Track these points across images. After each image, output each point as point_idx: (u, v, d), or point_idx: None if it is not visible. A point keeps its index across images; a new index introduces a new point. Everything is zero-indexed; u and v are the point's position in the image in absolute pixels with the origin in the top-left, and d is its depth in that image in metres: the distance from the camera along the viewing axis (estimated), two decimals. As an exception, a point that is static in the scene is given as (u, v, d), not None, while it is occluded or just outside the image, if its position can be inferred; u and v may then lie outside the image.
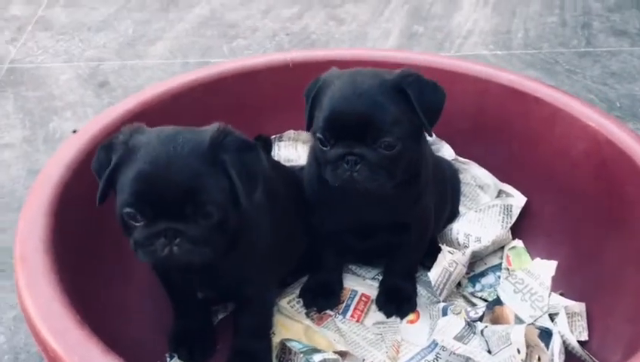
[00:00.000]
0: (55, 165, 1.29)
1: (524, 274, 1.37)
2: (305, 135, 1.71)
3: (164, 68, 2.45)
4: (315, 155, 1.32)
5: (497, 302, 1.35)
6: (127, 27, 2.73)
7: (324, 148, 1.22)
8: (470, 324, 1.29)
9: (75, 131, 1.96)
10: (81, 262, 1.23)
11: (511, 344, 1.17)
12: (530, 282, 1.34)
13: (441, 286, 1.40)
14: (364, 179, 1.20)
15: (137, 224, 1.04)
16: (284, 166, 1.52)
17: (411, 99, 1.19)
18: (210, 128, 1.09)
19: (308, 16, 2.85)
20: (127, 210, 1.03)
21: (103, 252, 1.32)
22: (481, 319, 1.34)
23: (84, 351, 0.95)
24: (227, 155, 1.05)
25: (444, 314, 1.37)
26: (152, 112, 1.51)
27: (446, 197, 1.52)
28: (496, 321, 1.32)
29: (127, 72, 2.42)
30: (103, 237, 1.27)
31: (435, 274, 1.40)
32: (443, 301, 1.42)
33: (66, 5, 2.88)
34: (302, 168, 1.64)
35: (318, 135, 1.23)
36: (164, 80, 2.32)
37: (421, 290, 1.48)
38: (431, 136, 1.28)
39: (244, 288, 1.25)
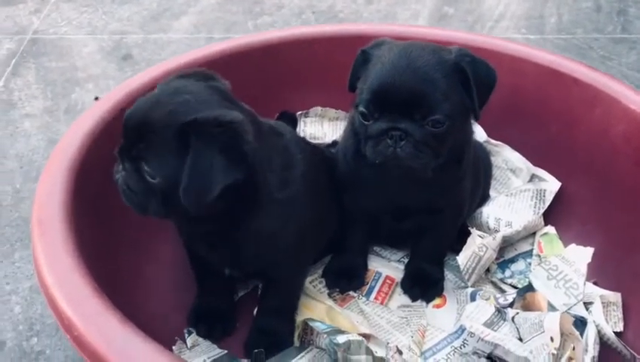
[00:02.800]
0: (75, 132, 1.25)
1: (558, 260, 1.31)
2: (332, 112, 1.67)
3: (189, 42, 2.41)
4: (353, 130, 1.26)
5: (529, 288, 1.29)
6: (152, 1, 2.68)
7: (367, 123, 1.17)
8: (500, 311, 1.24)
9: (97, 98, 1.93)
10: (101, 233, 1.19)
11: (544, 332, 1.12)
12: (565, 268, 1.29)
13: (470, 271, 1.35)
14: (408, 157, 1.15)
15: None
16: (312, 144, 1.47)
17: (468, 78, 1.15)
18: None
19: (336, -6, 2.78)
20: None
21: (124, 223, 1.27)
22: (511, 306, 1.29)
23: (101, 320, 0.91)
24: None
25: (473, 299, 1.32)
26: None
27: (479, 181, 1.46)
28: (527, 308, 1.26)
29: (151, 46, 2.38)
30: (125, 208, 1.23)
31: (464, 258, 1.35)
32: (471, 286, 1.36)
33: (91, -23, 2.84)
34: (329, 146, 1.60)
35: (361, 108, 1.17)
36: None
37: (448, 274, 1.42)
38: (477, 119, 1.22)
39: (275, 268, 1.20)
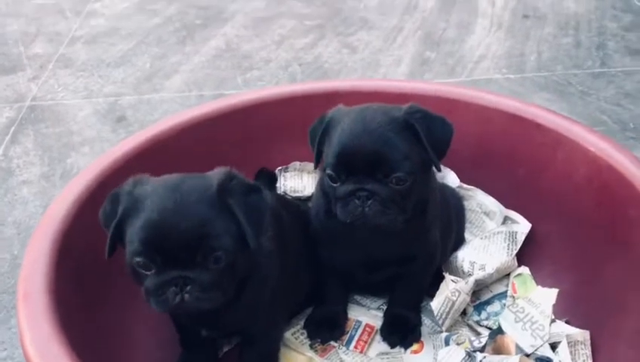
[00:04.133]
0: (60, 204, 1.32)
1: (525, 302, 1.36)
2: (310, 166, 1.73)
3: (180, 101, 2.50)
4: (322, 190, 1.33)
5: (499, 331, 1.34)
6: (145, 62, 2.80)
7: (335, 185, 1.24)
8: (471, 355, 1.29)
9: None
10: (85, 301, 1.26)
11: (507, 375, 1.16)
12: (531, 311, 1.33)
13: (443, 316, 1.40)
14: (376, 215, 1.22)
15: (148, 273, 1.06)
16: (288, 200, 1.54)
17: (420, 135, 1.21)
18: (216, 173, 1.12)
19: (321, 45, 2.89)
20: (137, 259, 1.05)
21: (107, 290, 1.34)
22: (483, 348, 1.33)
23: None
24: (233, 199, 1.07)
25: (447, 343, 1.36)
26: (158, 148, 1.55)
27: (451, 225, 1.52)
28: (497, 351, 1.31)
29: (144, 107, 2.47)
30: (108, 275, 1.30)
31: (437, 303, 1.40)
32: (446, 330, 1.41)
33: (87, 42, 2.96)
34: (307, 199, 1.67)
35: (328, 171, 1.25)
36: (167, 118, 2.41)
37: (425, 320, 1.47)
38: (439, 170, 1.29)
39: (251, 327, 1.26)
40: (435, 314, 1.39)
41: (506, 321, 1.34)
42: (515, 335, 1.31)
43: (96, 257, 1.27)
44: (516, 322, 1.33)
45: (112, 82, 2.66)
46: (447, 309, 1.41)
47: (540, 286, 1.43)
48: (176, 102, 2.50)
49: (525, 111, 1.60)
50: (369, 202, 1.21)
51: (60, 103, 2.51)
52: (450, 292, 1.41)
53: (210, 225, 1.04)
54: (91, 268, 1.28)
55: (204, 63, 2.78)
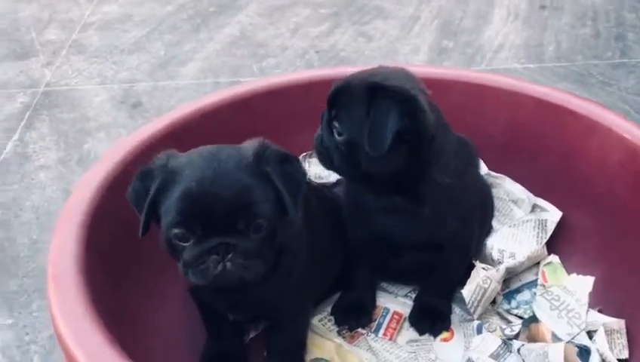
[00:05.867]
0: (87, 184, 1.30)
1: (560, 290, 1.33)
2: (335, 152, 1.71)
3: (196, 88, 2.47)
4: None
5: (533, 319, 1.32)
6: (159, 49, 2.77)
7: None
8: (506, 342, 1.26)
9: None
10: (113, 282, 1.23)
11: (548, 362, 1.14)
12: (567, 298, 1.31)
13: (475, 304, 1.38)
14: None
15: (186, 244, 1.04)
16: (314, 185, 1.51)
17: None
18: (251, 143, 1.10)
19: (337, 33, 2.85)
20: (176, 230, 1.03)
21: (135, 272, 1.32)
22: (517, 337, 1.31)
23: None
24: (270, 167, 1.05)
25: (479, 332, 1.34)
26: (182, 132, 1.52)
27: (487, 216, 1.49)
28: (532, 339, 1.29)
29: (160, 93, 2.45)
30: (136, 256, 1.28)
31: (468, 291, 1.37)
32: (477, 318, 1.39)
33: (100, 29, 2.93)
34: (332, 185, 1.64)
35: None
36: (196, 100, 2.38)
37: (455, 308, 1.45)
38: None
39: (279, 310, 1.24)
40: (467, 301, 1.37)
41: (541, 309, 1.32)
42: (550, 323, 1.29)
43: (124, 236, 1.25)
44: (551, 310, 1.31)
45: (127, 68, 2.63)
46: (479, 297, 1.38)
47: (574, 274, 1.40)
48: (192, 89, 2.48)
49: (557, 97, 1.57)
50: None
51: (74, 89, 2.49)
52: (481, 280, 1.39)
53: (252, 192, 1.03)
54: (119, 248, 1.27)
55: (218, 51, 2.75)
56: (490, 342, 1.27)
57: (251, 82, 1.74)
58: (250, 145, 1.09)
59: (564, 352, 1.15)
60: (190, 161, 1.05)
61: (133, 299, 1.30)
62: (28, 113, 2.33)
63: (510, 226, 1.56)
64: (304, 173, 1.13)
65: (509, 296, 1.47)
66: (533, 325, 1.30)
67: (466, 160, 1.35)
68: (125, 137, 1.46)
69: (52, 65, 2.66)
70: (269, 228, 1.05)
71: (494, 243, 1.52)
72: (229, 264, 1.03)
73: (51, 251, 1.15)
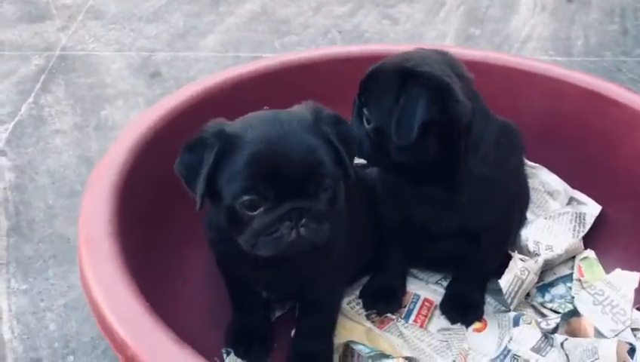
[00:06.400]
0: (120, 148, 1.24)
1: (604, 285, 1.29)
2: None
3: (216, 61, 2.41)
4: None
5: (574, 313, 1.27)
6: (178, 19, 2.69)
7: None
8: (547, 336, 1.22)
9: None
10: (144, 250, 1.18)
11: (598, 359, 1.09)
12: (611, 294, 1.26)
13: (512, 295, 1.33)
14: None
15: (255, 212, 0.98)
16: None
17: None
18: (303, 106, 1.06)
19: (360, 14, 2.79)
20: (245, 197, 0.97)
21: (164, 239, 1.27)
22: (554, 331, 1.26)
23: (154, 339, 0.90)
24: (329, 128, 1.01)
25: (516, 324, 1.29)
26: (212, 101, 1.47)
27: (522, 207, 1.44)
28: (572, 334, 1.24)
29: (179, 64, 2.38)
30: (166, 224, 1.23)
31: (506, 281, 1.33)
32: (513, 310, 1.34)
33: (117, -5, 2.86)
34: (364, 166, 1.58)
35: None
36: (216, 72, 2.31)
37: (488, 298, 1.40)
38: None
39: (314, 289, 1.19)
40: (504, 292, 1.32)
41: (583, 304, 1.28)
42: (593, 318, 1.24)
43: (155, 209, 1.21)
44: (595, 305, 1.26)
45: (145, 37, 2.55)
46: (516, 288, 1.34)
47: (619, 269, 1.35)
48: (212, 61, 2.41)
49: (601, 86, 1.52)
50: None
51: (91, 54, 2.42)
52: (519, 271, 1.34)
53: (319, 152, 0.99)
54: (150, 214, 1.22)
55: (239, 25, 2.68)
56: (530, 334, 1.22)
57: (284, 54, 1.67)
58: (303, 108, 1.05)
59: (617, 349, 1.10)
60: (250, 125, 1.00)
61: (162, 268, 1.25)
62: (43, 76, 2.26)
63: (546, 218, 1.51)
64: (356, 136, 1.11)
65: (542, 289, 1.43)
66: (573, 319, 1.25)
67: (509, 148, 1.29)
68: (161, 100, 1.39)
69: (68, 29, 2.58)
70: (335, 188, 1.01)
71: (529, 234, 1.47)
72: (302, 229, 0.98)
73: (83, 213, 1.10)
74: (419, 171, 1.22)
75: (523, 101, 1.59)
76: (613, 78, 2.39)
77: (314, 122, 1.01)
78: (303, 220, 0.97)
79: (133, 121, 1.32)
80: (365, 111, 1.19)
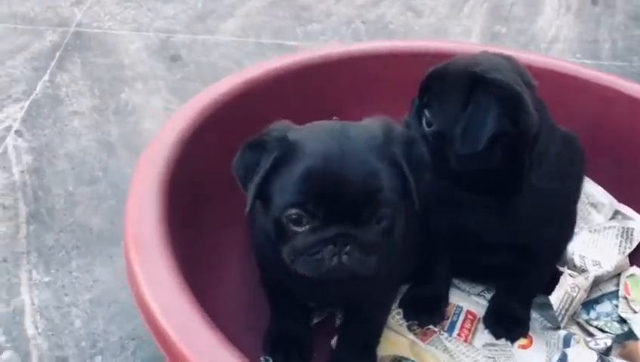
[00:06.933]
0: (162, 142, 1.17)
1: (663, 308, 1.24)
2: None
3: (237, 46, 2.33)
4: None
5: (630, 335, 1.22)
6: (197, 0, 2.60)
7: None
8: (603, 359, 1.17)
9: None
10: (187, 250, 1.11)
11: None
12: (671, 318, 1.22)
13: (562, 312, 1.28)
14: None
15: (300, 229, 0.92)
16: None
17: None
18: (374, 121, 0.98)
19: (383, 5, 2.71)
20: (292, 211, 0.91)
21: (204, 241, 1.21)
22: (607, 352, 1.22)
23: (214, 354, 0.83)
24: (399, 150, 0.93)
25: (567, 343, 1.25)
26: (255, 92, 1.40)
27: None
28: (628, 357, 1.19)
29: (199, 47, 2.30)
30: (214, 220, 1.17)
31: (556, 298, 1.28)
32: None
33: (133, -28, 2.75)
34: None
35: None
36: (238, 58, 2.24)
37: (533, 313, 1.35)
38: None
39: (364, 301, 1.13)
40: (555, 309, 1.27)
41: (640, 326, 1.23)
42: (652, 342, 1.19)
43: (203, 205, 1.14)
44: (653, 329, 1.22)
45: (163, 17, 2.46)
46: (567, 306, 1.29)
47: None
48: (233, 46, 2.33)
49: (651, 95, 1.47)
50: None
51: (107, 33, 2.32)
52: (569, 287, 1.29)
53: (380, 177, 0.91)
54: (196, 210, 1.15)
55: (259, 9, 2.59)
56: (586, 357, 1.17)
57: (328, 47, 1.61)
58: (375, 124, 0.98)
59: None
60: (314, 135, 0.93)
61: (202, 268, 1.18)
62: (58, 53, 2.17)
63: (591, 231, 1.46)
64: (429, 161, 1.01)
65: (588, 305, 1.38)
66: (630, 342, 1.21)
67: (570, 161, 1.24)
68: (199, 94, 1.31)
69: (82, 4, 2.48)
70: (392, 218, 0.93)
71: (575, 248, 1.42)
72: (345, 257, 0.91)
73: (130, 211, 1.02)
74: (475, 179, 1.16)
75: (570, 109, 1.53)
76: (643, 85, 2.35)
77: (383, 141, 0.94)
78: (348, 248, 0.91)
79: (175, 115, 1.25)
80: (427, 113, 1.13)
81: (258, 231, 1.09)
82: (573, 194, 1.27)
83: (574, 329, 1.33)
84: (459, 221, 1.23)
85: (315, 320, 1.31)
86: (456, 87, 1.09)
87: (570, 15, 2.80)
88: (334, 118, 1.05)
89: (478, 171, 1.14)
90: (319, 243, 0.91)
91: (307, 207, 0.90)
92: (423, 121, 1.13)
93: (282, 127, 0.97)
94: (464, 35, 2.55)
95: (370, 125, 0.98)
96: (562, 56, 2.46)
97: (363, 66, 1.54)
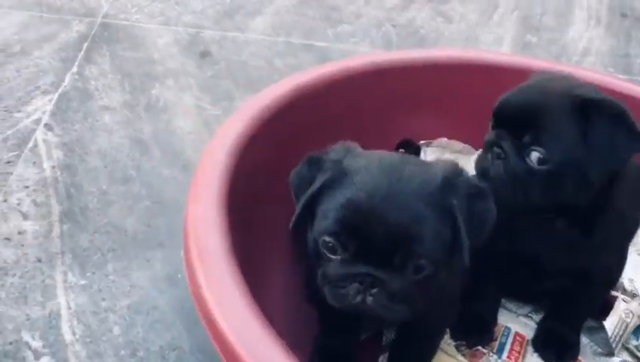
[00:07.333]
0: (220, 149, 1.13)
1: None
2: (456, 145, 1.55)
3: (267, 45, 2.28)
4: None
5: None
6: (224, -5, 2.56)
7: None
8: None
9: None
10: (248, 257, 1.07)
11: None
12: None
13: (616, 339, 1.25)
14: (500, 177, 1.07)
15: (333, 257, 0.89)
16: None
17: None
18: (442, 164, 0.94)
19: (413, 8, 2.67)
20: (327, 239, 0.88)
21: (254, 251, 1.16)
22: (661, 381, 1.19)
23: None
24: (458, 200, 0.88)
25: (621, 371, 1.21)
26: (298, 102, 1.36)
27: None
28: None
29: (229, 44, 2.25)
30: (269, 235, 1.13)
31: (611, 323, 1.25)
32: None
33: (159, -37, 2.70)
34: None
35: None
36: (268, 57, 2.20)
37: (583, 338, 1.32)
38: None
39: (422, 320, 1.09)
40: (610, 334, 1.24)
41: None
42: None
43: (258, 217, 1.10)
44: None
45: (191, 12, 2.42)
46: (621, 332, 1.26)
47: None
48: (264, 45, 2.28)
49: None
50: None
51: (135, 26, 2.27)
52: (623, 313, 1.26)
53: (424, 226, 0.86)
54: (254, 229, 1.11)
55: (288, 8, 2.55)
56: (645, 387, 1.14)
57: (378, 54, 1.57)
58: (439, 167, 0.93)
59: None
60: (367, 166, 0.90)
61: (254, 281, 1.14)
62: (86, 44, 2.12)
63: (639, 254, 1.43)
64: (494, 215, 0.95)
65: (637, 331, 1.34)
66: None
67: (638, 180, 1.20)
68: (254, 97, 1.27)
69: (108, -5, 2.43)
70: (430, 272, 0.89)
71: (625, 271, 1.39)
72: (369, 299, 0.88)
73: (190, 220, 0.98)
74: (564, 209, 1.11)
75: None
76: (676, 102, 2.32)
77: (440, 188, 0.89)
78: (374, 290, 0.88)
79: (228, 120, 1.21)
80: (539, 150, 1.04)
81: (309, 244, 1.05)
82: (636, 219, 1.24)
83: (624, 355, 1.30)
84: (518, 246, 1.19)
85: (363, 336, 1.27)
86: (568, 117, 1.03)
87: (601, 27, 2.77)
88: (400, 150, 1.00)
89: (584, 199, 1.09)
90: (347, 278, 0.88)
91: (340, 238, 0.87)
92: (533, 160, 1.04)
93: (343, 149, 0.94)
94: (496, 43, 2.51)
95: (433, 167, 0.93)
96: (595, 70, 2.43)
97: (418, 76, 1.50)
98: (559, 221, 1.12)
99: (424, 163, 0.96)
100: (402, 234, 0.86)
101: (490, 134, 1.09)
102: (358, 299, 0.89)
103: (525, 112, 1.04)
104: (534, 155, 1.03)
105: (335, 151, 0.95)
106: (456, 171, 0.94)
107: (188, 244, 0.95)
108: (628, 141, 1.02)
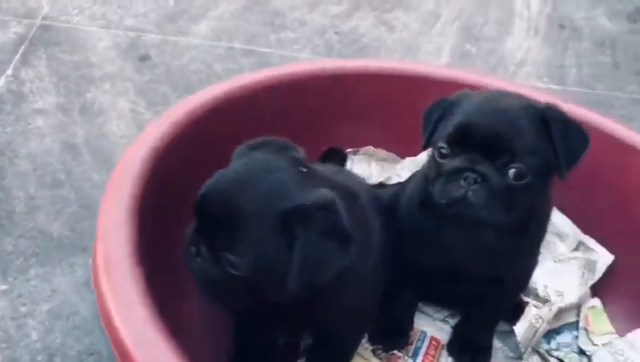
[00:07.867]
0: (135, 154, 1.14)
1: (624, 344, 1.27)
2: (381, 153, 1.59)
3: (209, 50, 2.29)
4: (425, 173, 1.18)
5: (591, 370, 1.25)
6: (168, -1, 2.56)
7: (442, 161, 1.09)
8: (564, 392, 1.19)
9: None
10: (153, 273, 1.08)
11: None
12: (632, 355, 1.24)
13: (526, 343, 1.30)
14: (478, 203, 1.05)
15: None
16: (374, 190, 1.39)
17: (552, 135, 1.07)
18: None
19: (357, 16, 2.71)
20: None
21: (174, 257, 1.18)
22: (567, 385, 1.24)
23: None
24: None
25: (529, 374, 1.26)
26: (225, 108, 1.38)
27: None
28: (587, 391, 1.21)
29: (170, 49, 2.26)
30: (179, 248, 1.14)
31: (521, 328, 1.29)
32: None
33: (103, -35, 2.69)
34: (377, 186, 1.52)
35: (440, 144, 1.09)
36: (209, 62, 2.21)
37: (497, 343, 1.36)
38: (563, 179, 1.12)
39: (343, 330, 1.12)
40: (519, 339, 1.29)
41: (602, 362, 1.25)
42: (612, 378, 1.22)
43: (168, 230, 1.12)
44: (614, 365, 1.24)
45: (133, 15, 2.41)
46: (530, 336, 1.31)
47: None
48: (205, 50, 2.29)
49: (624, 133, 1.50)
50: (475, 186, 1.04)
51: (75, 28, 2.27)
52: (533, 319, 1.31)
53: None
54: (165, 231, 1.12)
55: (232, 13, 2.57)
56: (548, 389, 1.18)
57: (302, 63, 1.59)
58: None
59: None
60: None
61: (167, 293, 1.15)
62: (23, 47, 2.11)
63: (555, 261, 1.48)
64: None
65: (548, 335, 1.40)
66: (591, 377, 1.23)
67: None
68: (173, 107, 1.28)
69: (50, -4, 2.42)
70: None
71: (539, 277, 1.44)
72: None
73: (100, 231, 0.99)
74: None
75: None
76: (606, 113, 2.39)
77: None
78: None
79: (149, 127, 1.22)
80: (518, 166, 1.05)
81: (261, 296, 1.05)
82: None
83: (535, 358, 1.34)
84: (441, 257, 1.22)
85: (280, 342, 1.29)
86: (535, 130, 1.07)
87: (539, 38, 2.85)
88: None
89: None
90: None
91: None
92: (511, 177, 1.05)
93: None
94: (436, 53, 2.57)
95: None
96: (528, 80, 2.50)
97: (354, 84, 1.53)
98: (497, 229, 1.14)
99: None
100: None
101: (454, 161, 1.07)
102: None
103: (500, 134, 1.05)
104: (512, 172, 1.05)
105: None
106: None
107: (95, 249, 0.96)
108: (581, 139, 1.11)
